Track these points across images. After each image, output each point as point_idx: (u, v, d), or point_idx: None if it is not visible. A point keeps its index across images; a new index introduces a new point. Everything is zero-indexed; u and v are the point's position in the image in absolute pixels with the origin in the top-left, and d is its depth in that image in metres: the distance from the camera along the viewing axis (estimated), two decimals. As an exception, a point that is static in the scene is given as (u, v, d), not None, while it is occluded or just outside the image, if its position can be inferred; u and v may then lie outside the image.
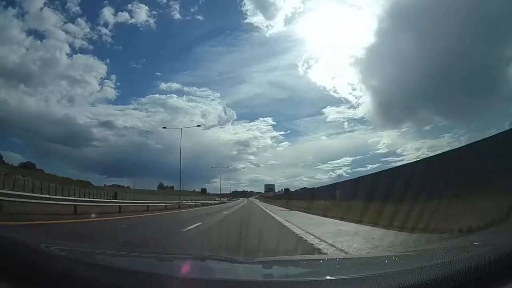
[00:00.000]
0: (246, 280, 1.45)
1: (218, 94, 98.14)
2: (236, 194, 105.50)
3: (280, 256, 3.70)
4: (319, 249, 4.92)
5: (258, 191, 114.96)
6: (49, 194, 16.59)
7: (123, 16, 76.16)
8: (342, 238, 6.11)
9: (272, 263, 2.25)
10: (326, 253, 4.59)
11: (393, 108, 69.81)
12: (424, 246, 4.13)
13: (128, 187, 57.26)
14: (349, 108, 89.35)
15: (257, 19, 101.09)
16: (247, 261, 2.34)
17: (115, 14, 74.24)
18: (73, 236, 6.39)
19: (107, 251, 2.51)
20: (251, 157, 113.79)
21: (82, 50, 79.04)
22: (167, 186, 73.92)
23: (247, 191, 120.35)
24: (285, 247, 5.20)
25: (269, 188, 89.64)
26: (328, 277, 1.34)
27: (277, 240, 6.44)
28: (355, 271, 1.64)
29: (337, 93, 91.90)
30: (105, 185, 49.63)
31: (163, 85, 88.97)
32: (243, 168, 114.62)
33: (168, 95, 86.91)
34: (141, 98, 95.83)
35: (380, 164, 77.64)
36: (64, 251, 1.56)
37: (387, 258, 2.10)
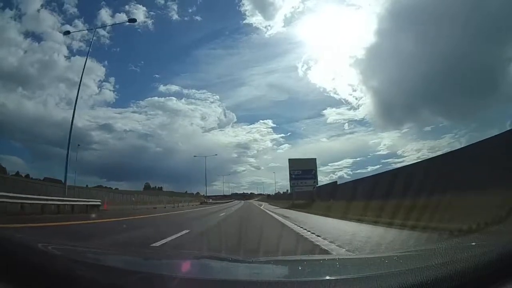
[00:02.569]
0: (246, 280, 1.45)
1: (218, 97, 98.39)
2: (234, 196, 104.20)
3: (280, 256, 3.70)
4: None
5: (259, 193, 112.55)
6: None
7: (121, 17, 76.13)
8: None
9: (272, 263, 2.25)
10: (326, 254, 4.59)
11: (394, 109, 69.30)
12: (424, 246, 4.13)
13: (117, 188, 55.49)
14: (350, 109, 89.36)
15: (256, 19, 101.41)
16: (247, 261, 2.34)
17: (112, 16, 74.24)
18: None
19: (107, 251, 2.51)
20: (251, 159, 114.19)
21: (80, 52, 78.91)
22: (155, 186, 72.71)
23: (247, 193, 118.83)
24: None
25: (303, 169, 35.65)
26: (328, 277, 1.34)
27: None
28: (355, 271, 1.64)
29: (337, 94, 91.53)
30: (87, 185, 47.30)
31: (162, 88, 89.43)
32: (244, 171, 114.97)
33: (167, 97, 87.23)
34: (140, 101, 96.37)
35: (381, 165, 77.42)
36: (64, 251, 1.57)
37: (387, 258, 2.10)
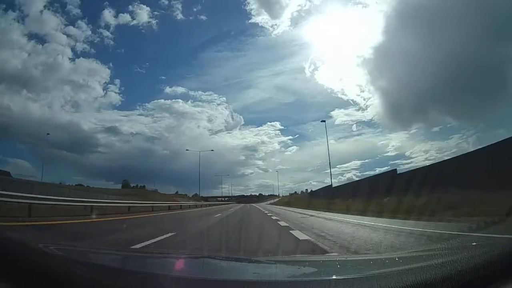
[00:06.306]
0: (246, 280, 1.45)
1: (224, 99, 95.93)
2: (238, 198, 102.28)
3: (280, 256, 3.71)
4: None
5: (270, 194, 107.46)
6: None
7: (124, 17, 76.06)
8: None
9: (272, 263, 2.25)
10: (326, 254, 4.59)
11: (402, 109, 67.33)
12: (424, 246, 4.13)
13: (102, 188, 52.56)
14: (358, 110, 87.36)
15: (262, 18, 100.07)
16: (247, 260, 2.34)
17: (116, 16, 74.28)
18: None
19: (107, 251, 2.51)
20: (259, 162, 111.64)
21: (84, 54, 78.27)
22: (137, 185, 70.18)
23: (255, 194, 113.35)
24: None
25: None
26: (328, 277, 1.34)
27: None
28: (355, 271, 1.64)
29: (345, 95, 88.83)
30: (60, 183, 43.99)
31: (168, 89, 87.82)
32: (251, 173, 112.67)
33: (174, 100, 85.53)
34: (146, 104, 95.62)
35: (389, 167, 75.65)
36: (64, 251, 1.57)
37: (387, 258, 2.10)
